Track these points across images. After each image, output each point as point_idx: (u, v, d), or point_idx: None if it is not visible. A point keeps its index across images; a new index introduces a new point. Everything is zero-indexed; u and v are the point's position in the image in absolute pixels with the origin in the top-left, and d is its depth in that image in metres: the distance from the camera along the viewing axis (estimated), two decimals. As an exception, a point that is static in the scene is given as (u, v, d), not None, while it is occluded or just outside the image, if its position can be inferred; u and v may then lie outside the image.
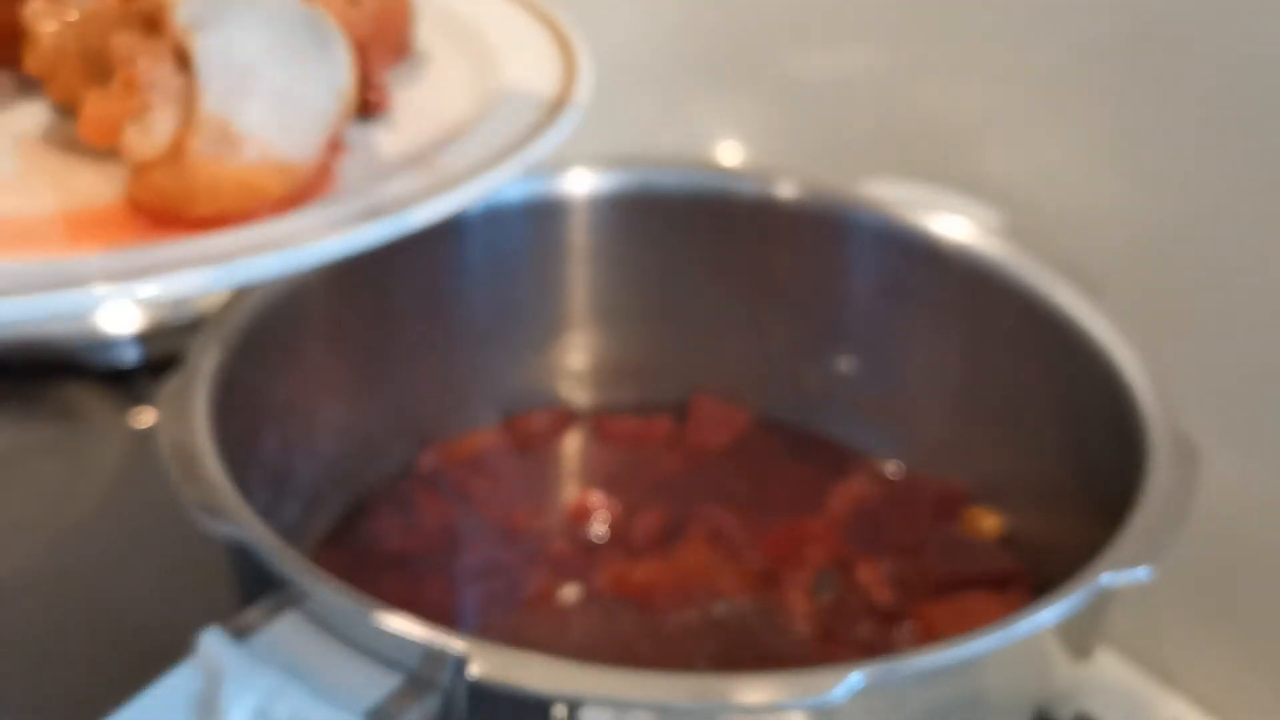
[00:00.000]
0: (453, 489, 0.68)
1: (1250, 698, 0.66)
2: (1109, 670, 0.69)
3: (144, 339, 0.83)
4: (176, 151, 0.34)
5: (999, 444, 0.65)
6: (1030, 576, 0.62)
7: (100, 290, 0.32)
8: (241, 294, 0.57)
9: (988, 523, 0.63)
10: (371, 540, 0.64)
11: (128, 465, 0.75)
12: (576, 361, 0.75)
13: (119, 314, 0.81)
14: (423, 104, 0.45)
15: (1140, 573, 0.45)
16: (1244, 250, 0.61)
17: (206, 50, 0.34)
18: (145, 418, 0.80)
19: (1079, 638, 0.49)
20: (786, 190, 0.68)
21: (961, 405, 0.68)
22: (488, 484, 0.68)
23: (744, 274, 0.71)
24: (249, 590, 0.45)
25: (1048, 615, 0.43)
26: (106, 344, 0.82)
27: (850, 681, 0.38)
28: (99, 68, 0.38)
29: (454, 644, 0.39)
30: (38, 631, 0.64)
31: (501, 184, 0.39)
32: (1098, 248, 0.65)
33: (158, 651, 0.40)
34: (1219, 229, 0.62)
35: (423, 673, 0.40)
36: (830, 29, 0.76)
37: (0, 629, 0.64)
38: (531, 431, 0.73)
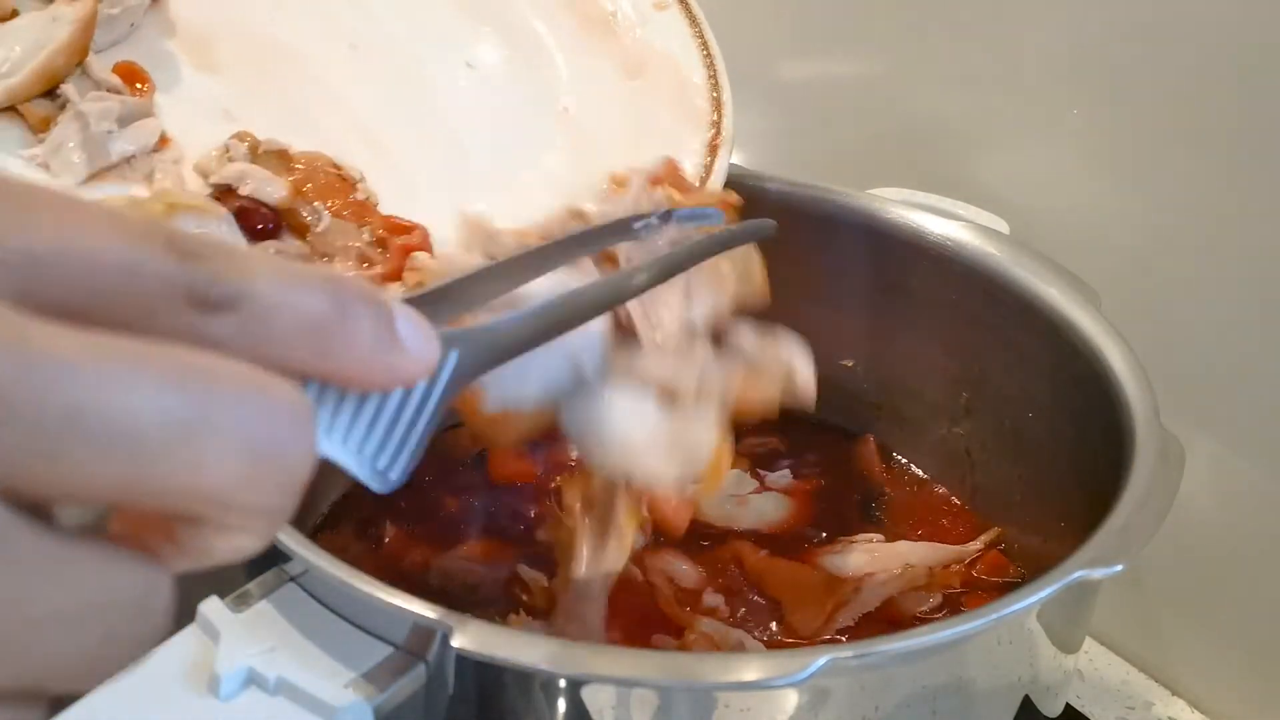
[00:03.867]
0: (457, 473, 0.69)
1: (1242, 694, 0.66)
2: (1102, 666, 0.70)
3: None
4: None
5: (996, 441, 0.66)
6: (1026, 574, 0.63)
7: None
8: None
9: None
10: (379, 520, 0.65)
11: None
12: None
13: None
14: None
15: (1116, 567, 0.45)
16: (1233, 255, 0.62)
17: None
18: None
19: (1062, 630, 0.50)
20: (789, 190, 0.69)
21: (959, 403, 0.68)
22: (495, 468, 0.70)
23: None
24: (252, 566, 0.47)
25: (1017, 606, 0.43)
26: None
27: (816, 665, 0.39)
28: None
29: (441, 618, 0.40)
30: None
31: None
32: (1092, 253, 0.66)
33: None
34: (1209, 235, 0.62)
35: (410, 645, 0.42)
36: (827, 39, 0.77)
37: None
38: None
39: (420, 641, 0.41)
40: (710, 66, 0.63)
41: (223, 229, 0.48)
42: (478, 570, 0.62)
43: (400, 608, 0.41)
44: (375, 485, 0.28)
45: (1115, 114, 0.65)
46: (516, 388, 0.44)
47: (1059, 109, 0.68)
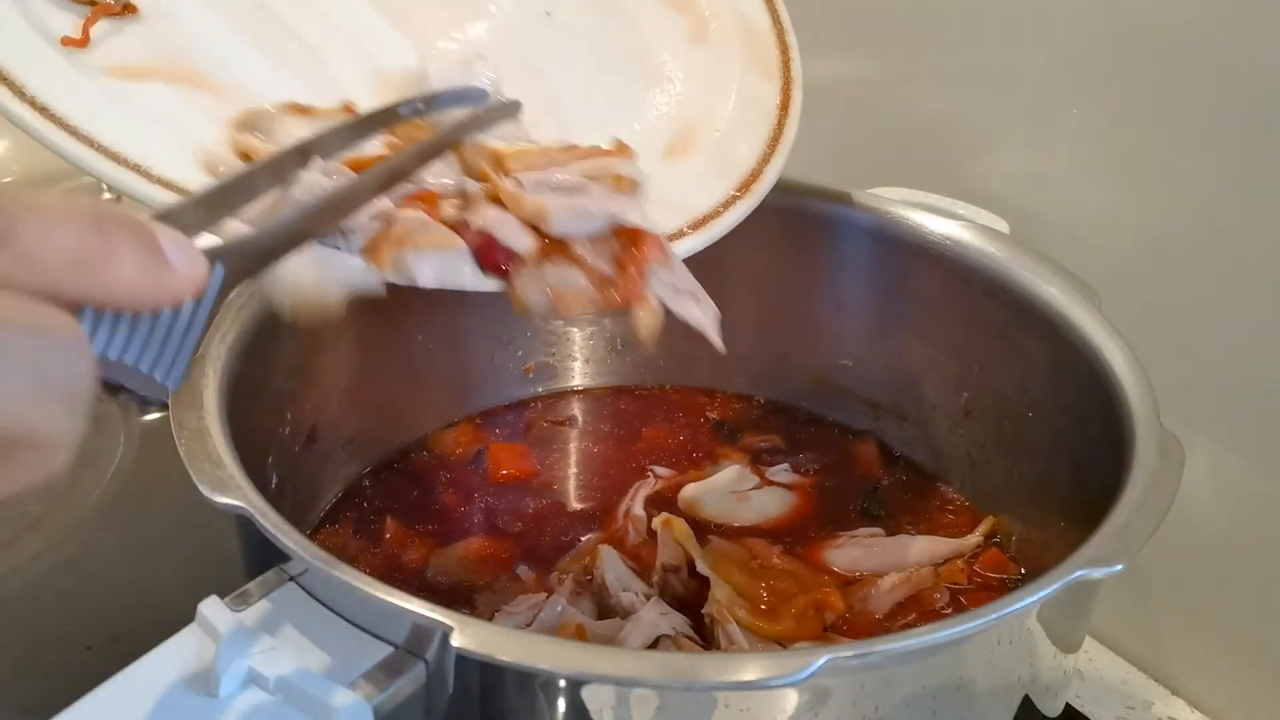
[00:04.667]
0: (457, 472, 0.69)
1: (1242, 694, 0.66)
2: (1102, 666, 0.70)
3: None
4: None
5: (995, 441, 0.66)
6: (1026, 572, 0.63)
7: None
8: (255, 286, 0.59)
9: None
10: (379, 518, 0.66)
11: (134, 462, 0.77)
12: (585, 352, 0.77)
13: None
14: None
15: (1116, 567, 0.45)
16: (1233, 255, 0.62)
17: None
18: (151, 415, 0.81)
19: (1063, 630, 0.50)
20: (790, 190, 0.69)
21: (959, 403, 0.68)
22: (494, 467, 0.70)
23: (747, 272, 0.72)
24: (252, 565, 0.47)
25: (1017, 606, 0.43)
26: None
27: (816, 665, 0.39)
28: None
29: (441, 618, 0.40)
30: (50, 616, 0.66)
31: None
32: (1092, 253, 0.66)
33: (160, 634, 0.42)
34: (1209, 235, 0.62)
35: (410, 645, 0.42)
36: (827, 39, 0.77)
37: (16, 614, 0.66)
38: (546, 416, 0.75)
39: (420, 641, 0.41)
40: (774, 12, 0.64)
41: (464, 268, 0.48)
42: (477, 568, 0.62)
43: (400, 607, 0.41)
44: (152, 394, 0.31)
45: (1115, 114, 0.65)
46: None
47: (1059, 109, 0.68)
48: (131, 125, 0.47)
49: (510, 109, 0.53)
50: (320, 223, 0.38)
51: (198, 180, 0.46)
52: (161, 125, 0.48)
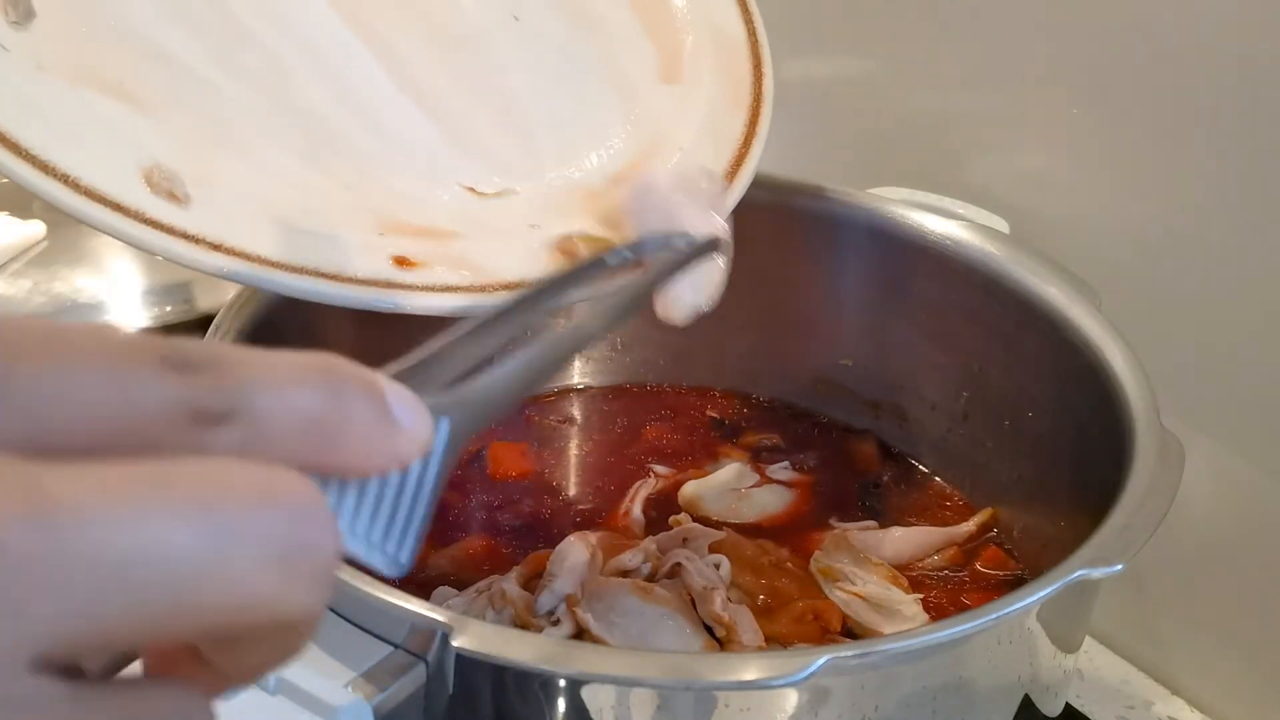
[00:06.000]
0: (456, 471, 0.69)
1: (1242, 694, 0.66)
2: (1102, 666, 0.70)
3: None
4: None
5: (995, 440, 0.66)
6: (1026, 571, 0.63)
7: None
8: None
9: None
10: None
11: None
12: (585, 351, 0.77)
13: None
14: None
15: (1116, 567, 0.45)
16: (1233, 254, 0.62)
17: None
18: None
19: (1062, 629, 0.50)
20: (789, 190, 0.69)
21: (958, 402, 0.68)
22: (494, 466, 0.70)
23: (747, 272, 0.72)
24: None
25: (1017, 606, 0.44)
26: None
27: (816, 664, 0.39)
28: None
29: (441, 618, 0.40)
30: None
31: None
32: (1092, 253, 0.66)
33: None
34: (1209, 235, 0.62)
35: (410, 645, 0.42)
36: (826, 39, 0.77)
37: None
38: (545, 415, 0.75)
39: (420, 641, 0.41)
40: (749, 23, 0.63)
41: None
42: (476, 567, 0.62)
43: (400, 607, 0.41)
44: (388, 570, 0.27)
45: (1115, 114, 0.65)
46: None
47: (1059, 109, 0.68)
48: (66, 132, 0.44)
49: (710, 247, 0.52)
50: (545, 373, 0.35)
51: (134, 195, 0.44)
52: (99, 134, 0.45)
